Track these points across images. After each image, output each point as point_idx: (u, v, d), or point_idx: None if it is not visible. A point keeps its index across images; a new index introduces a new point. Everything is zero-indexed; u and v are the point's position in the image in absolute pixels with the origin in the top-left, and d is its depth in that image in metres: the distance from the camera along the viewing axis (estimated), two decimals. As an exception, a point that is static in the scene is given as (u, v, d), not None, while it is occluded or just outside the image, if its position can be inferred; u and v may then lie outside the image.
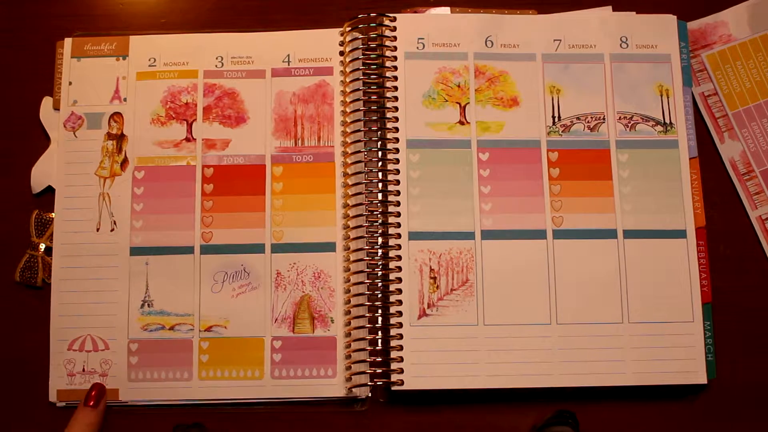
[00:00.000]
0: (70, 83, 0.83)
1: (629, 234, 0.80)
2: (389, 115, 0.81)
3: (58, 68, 0.84)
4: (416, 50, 0.83)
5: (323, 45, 0.84)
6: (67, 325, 0.79)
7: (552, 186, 0.81)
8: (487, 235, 0.80)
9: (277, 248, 0.80)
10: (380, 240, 0.80)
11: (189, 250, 0.80)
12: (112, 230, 0.80)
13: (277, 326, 0.79)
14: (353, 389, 0.77)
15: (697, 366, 0.78)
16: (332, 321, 0.79)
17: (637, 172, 0.81)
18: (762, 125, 0.83)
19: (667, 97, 0.83)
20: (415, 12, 0.85)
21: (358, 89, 0.82)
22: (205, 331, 0.78)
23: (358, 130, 0.81)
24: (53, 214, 0.81)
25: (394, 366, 0.77)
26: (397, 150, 0.81)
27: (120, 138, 0.82)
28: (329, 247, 0.80)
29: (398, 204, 0.80)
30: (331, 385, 0.78)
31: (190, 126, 0.82)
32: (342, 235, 0.80)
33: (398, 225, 0.79)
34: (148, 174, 0.81)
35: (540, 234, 0.80)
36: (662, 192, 0.81)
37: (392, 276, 0.79)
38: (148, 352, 0.78)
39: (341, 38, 0.84)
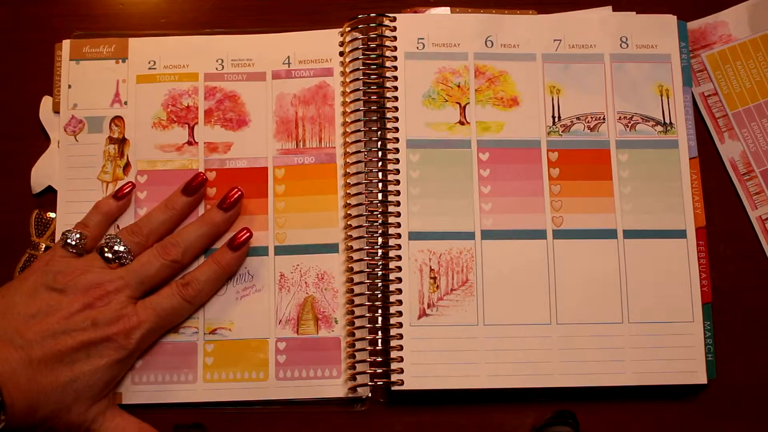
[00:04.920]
0: (70, 86, 0.83)
1: (629, 234, 0.80)
2: (389, 115, 0.81)
3: (57, 70, 0.84)
4: (416, 50, 0.83)
5: (323, 46, 0.84)
6: (71, 329, 0.79)
7: (552, 186, 0.81)
8: (487, 235, 0.80)
9: (281, 250, 0.80)
10: (380, 240, 0.80)
11: (192, 253, 0.80)
12: (116, 234, 0.80)
13: (282, 328, 0.79)
14: (354, 389, 0.78)
15: (697, 366, 0.78)
16: (336, 322, 0.79)
17: (637, 172, 0.81)
18: (762, 125, 0.83)
19: (667, 97, 0.83)
20: (415, 12, 0.85)
21: (358, 89, 0.82)
22: (209, 333, 0.78)
23: (358, 131, 0.81)
24: (53, 214, 0.81)
25: (394, 366, 0.77)
26: (397, 150, 0.81)
27: (122, 142, 0.82)
28: (332, 248, 0.80)
29: (398, 204, 0.80)
30: (336, 386, 0.78)
31: (191, 129, 0.82)
32: (343, 235, 0.80)
33: (398, 225, 0.79)
34: (150, 178, 0.81)
35: (540, 234, 0.80)
36: (662, 192, 0.81)
37: (392, 276, 0.79)
38: (152, 355, 0.78)
39: (341, 38, 0.84)
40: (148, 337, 0.74)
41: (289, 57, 0.84)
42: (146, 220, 0.77)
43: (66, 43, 0.84)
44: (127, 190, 0.79)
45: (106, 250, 0.74)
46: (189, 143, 0.82)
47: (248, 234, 0.77)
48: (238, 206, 0.79)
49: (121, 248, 0.75)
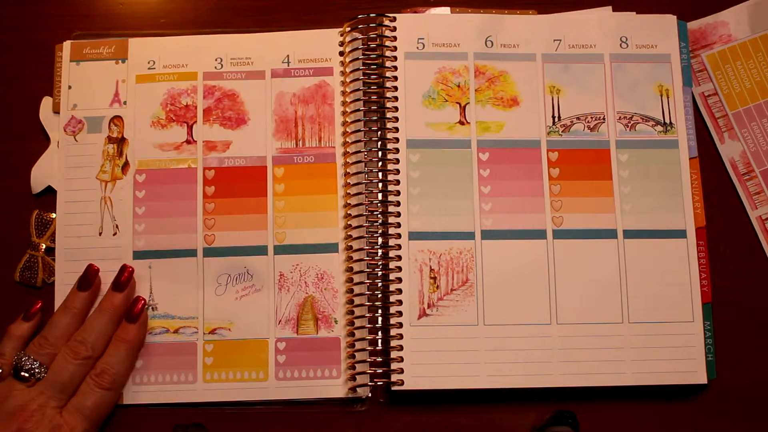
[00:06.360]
0: (70, 87, 0.83)
1: (629, 234, 0.80)
2: (389, 115, 0.81)
3: (57, 71, 0.84)
4: (416, 50, 0.83)
5: (323, 45, 0.84)
6: (71, 329, 0.79)
7: (552, 186, 0.81)
8: (487, 235, 0.80)
9: (280, 250, 0.80)
10: (380, 240, 0.80)
11: (192, 253, 0.80)
12: (115, 234, 0.80)
13: (281, 328, 0.79)
14: (354, 389, 0.78)
15: (697, 366, 0.78)
16: (336, 322, 0.79)
17: (637, 172, 0.81)
18: (762, 125, 0.83)
19: (667, 97, 0.83)
20: (415, 12, 0.85)
21: (358, 89, 0.82)
22: (209, 333, 0.79)
23: (358, 131, 0.81)
24: (53, 214, 0.81)
25: (394, 366, 0.77)
26: (397, 150, 0.81)
27: (121, 141, 0.82)
28: (332, 248, 0.80)
29: (398, 204, 0.80)
30: (336, 386, 0.78)
31: (190, 128, 0.82)
32: (343, 235, 0.80)
33: (398, 225, 0.79)
34: (149, 177, 0.81)
35: (540, 234, 0.80)
36: (662, 192, 0.81)
37: (392, 276, 0.79)
38: (152, 355, 0.78)
39: (341, 38, 0.84)
40: None
41: (288, 56, 0.84)
42: (50, 328, 0.76)
43: (66, 45, 0.84)
44: (34, 310, 0.77)
45: (20, 371, 0.73)
46: (188, 142, 0.82)
47: (143, 302, 0.77)
48: (132, 282, 0.78)
49: (35, 364, 0.74)
